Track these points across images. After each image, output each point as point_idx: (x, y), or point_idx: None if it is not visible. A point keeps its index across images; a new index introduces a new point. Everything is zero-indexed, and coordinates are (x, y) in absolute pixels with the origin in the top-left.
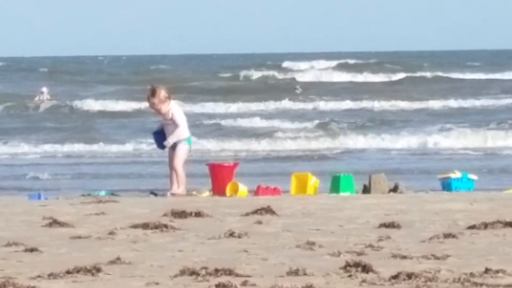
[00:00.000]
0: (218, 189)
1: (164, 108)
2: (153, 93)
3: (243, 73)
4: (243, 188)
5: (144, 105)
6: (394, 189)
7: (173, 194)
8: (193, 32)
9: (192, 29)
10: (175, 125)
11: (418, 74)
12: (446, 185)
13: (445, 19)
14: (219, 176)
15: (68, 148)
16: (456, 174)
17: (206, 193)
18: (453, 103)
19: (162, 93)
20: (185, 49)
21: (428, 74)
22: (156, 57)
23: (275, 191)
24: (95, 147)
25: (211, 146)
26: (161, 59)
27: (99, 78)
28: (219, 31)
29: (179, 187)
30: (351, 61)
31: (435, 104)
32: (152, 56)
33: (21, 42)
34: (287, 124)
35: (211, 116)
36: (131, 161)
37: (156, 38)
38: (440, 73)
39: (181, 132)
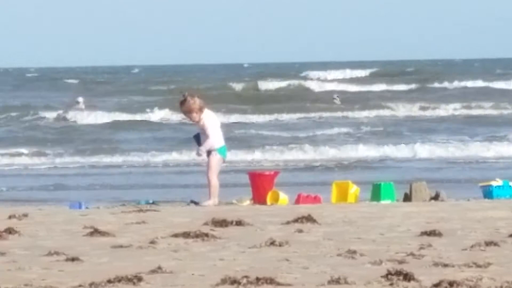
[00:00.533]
0: (258, 198)
1: (194, 117)
2: (182, 102)
3: (271, 83)
4: (283, 197)
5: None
6: (435, 197)
7: (204, 206)
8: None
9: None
10: (206, 135)
11: (453, 82)
12: (488, 193)
13: (473, 26)
14: (259, 185)
15: (98, 158)
16: (498, 182)
17: (247, 202)
18: (489, 111)
19: (191, 102)
20: (217, 58)
21: (464, 83)
22: (184, 66)
23: (315, 199)
24: (126, 158)
25: (249, 155)
26: (188, 69)
27: (128, 88)
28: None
29: (210, 199)
30: (381, 70)
31: (471, 112)
32: (179, 65)
33: (56, 52)
34: (323, 132)
35: (247, 126)
36: (165, 171)
37: (184, 48)
38: (480, 81)
39: (212, 143)
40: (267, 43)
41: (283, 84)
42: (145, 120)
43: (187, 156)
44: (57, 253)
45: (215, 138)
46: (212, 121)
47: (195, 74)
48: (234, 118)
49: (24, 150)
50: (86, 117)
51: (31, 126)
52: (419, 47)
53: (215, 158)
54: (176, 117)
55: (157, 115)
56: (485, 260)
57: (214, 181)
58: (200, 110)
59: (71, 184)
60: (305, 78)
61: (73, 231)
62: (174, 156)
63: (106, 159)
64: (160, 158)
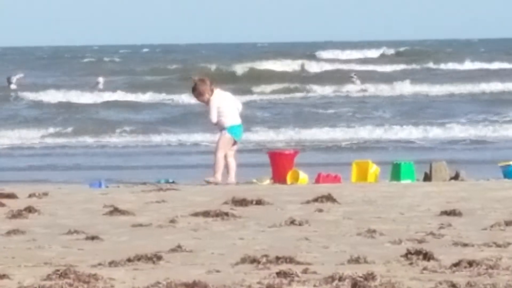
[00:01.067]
0: (278, 177)
1: (204, 99)
2: (193, 88)
3: (292, 62)
4: (303, 176)
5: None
6: (455, 177)
7: (207, 182)
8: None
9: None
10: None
11: (471, 62)
12: (508, 173)
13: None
14: (279, 164)
15: (100, 138)
16: None
17: (267, 181)
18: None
19: (198, 87)
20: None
21: (477, 63)
22: (196, 45)
23: (335, 179)
24: (143, 138)
25: (269, 135)
26: (199, 48)
27: (133, 68)
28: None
29: (214, 174)
30: (394, 49)
31: (490, 91)
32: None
33: (66, 31)
34: (342, 112)
35: (267, 105)
36: (177, 151)
37: (191, 27)
38: (496, 62)
39: (221, 122)
40: (284, 21)
41: (287, 63)
42: (147, 101)
43: (196, 136)
44: (77, 231)
45: (223, 117)
46: (219, 100)
47: (206, 53)
48: (254, 97)
49: (27, 130)
50: (87, 96)
51: (32, 105)
52: (435, 27)
53: (224, 137)
54: (179, 97)
55: (159, 96)
56: (505, 239)
57: (218, 157)
58: (207, 92)
59: (76, 164)
60: (314, 57)
61: (93, 209)
62: (183, 136)
63: (111, 139)
64: (167, 138)
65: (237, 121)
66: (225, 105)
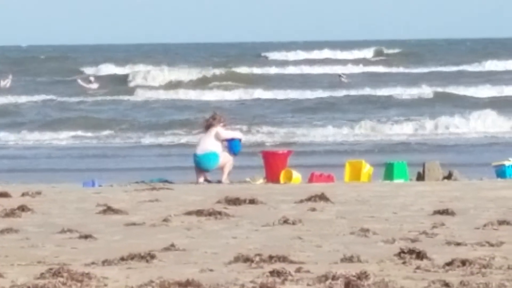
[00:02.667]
0: (272, 177)
1: None
2: None
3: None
4: (297, 176)
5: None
6: (448, 176)
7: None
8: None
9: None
10: None
11: (472, 64)
12: (501, 173)
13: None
14: (273, 163)
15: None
16: (511, 162)
17: (260, 181)
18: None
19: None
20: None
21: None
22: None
23: (329, 178)
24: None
25: (262, 137)
26: (173, 48)
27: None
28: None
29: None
30: (369, 51)
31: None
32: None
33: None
34: (339, 114)
35: (256, 106)
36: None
37: (153, 27)
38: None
39: None
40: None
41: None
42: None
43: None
44: (70, 230)
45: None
46: (203, 133)
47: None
48: (243, 95)
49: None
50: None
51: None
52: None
53: None
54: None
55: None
56: (497, 239)
57: None
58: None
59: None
60: (263, 59)
61: (86, 208)
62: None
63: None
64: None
65: (200, 150)
66: (201, 136)
